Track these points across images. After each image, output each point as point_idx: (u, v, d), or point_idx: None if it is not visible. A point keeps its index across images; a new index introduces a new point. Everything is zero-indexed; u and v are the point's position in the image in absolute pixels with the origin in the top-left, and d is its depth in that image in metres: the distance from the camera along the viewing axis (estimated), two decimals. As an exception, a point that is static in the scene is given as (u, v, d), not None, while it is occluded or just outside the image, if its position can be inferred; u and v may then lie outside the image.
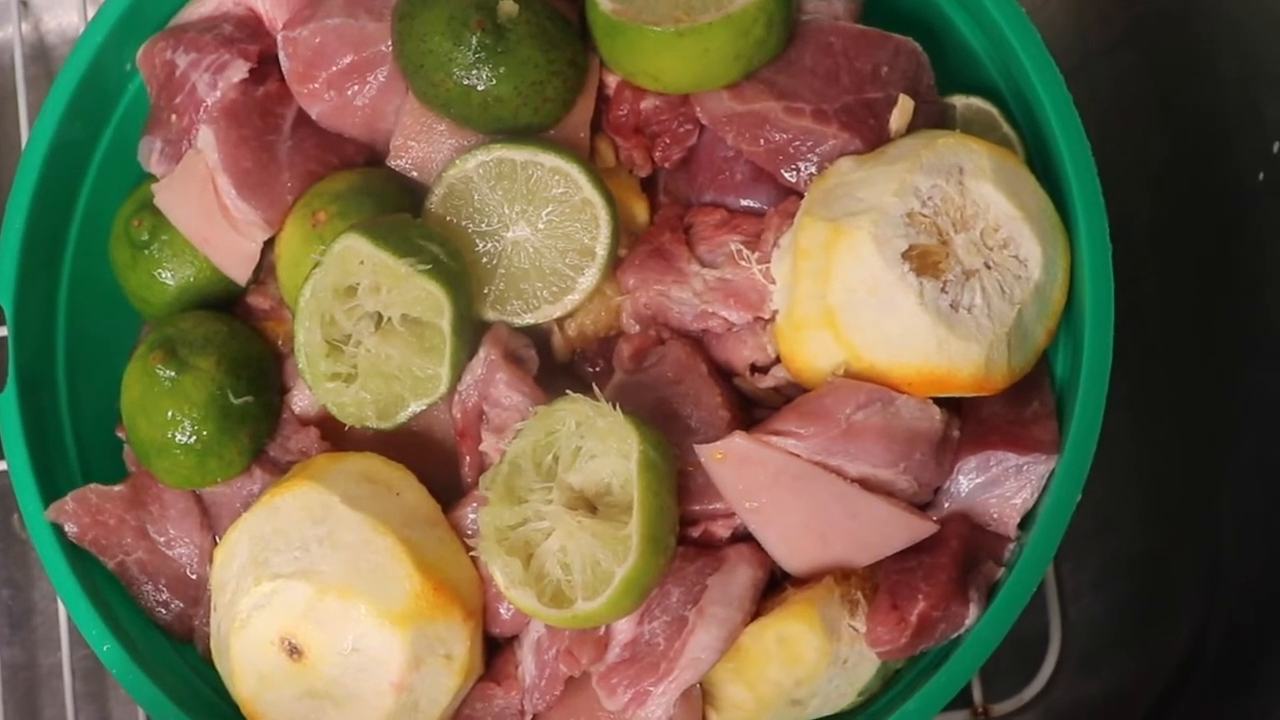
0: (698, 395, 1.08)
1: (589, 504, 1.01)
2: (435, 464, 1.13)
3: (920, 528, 1.05)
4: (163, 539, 1.16)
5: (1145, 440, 1.37)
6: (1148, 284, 1.35)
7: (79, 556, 1.15)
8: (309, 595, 1.03)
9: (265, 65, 1.17)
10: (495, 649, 1.12)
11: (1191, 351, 1.35)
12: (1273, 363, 1.23)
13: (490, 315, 1.11)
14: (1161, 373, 1.36)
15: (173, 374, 1.10)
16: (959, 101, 1.16)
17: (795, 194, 1.10)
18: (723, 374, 1.11)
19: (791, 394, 1.09)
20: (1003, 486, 1.06)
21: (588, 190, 1.08)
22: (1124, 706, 1.34)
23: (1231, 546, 1.30)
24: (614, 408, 0.99)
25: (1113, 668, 1.37)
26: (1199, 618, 1.32)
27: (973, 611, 1.04)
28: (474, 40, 1.06)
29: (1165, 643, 1.34)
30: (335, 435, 1.15)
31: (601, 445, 1.00)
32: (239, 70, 1.15)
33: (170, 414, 1.10)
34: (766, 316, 1.09)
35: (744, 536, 1.07)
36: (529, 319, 1.11)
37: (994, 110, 1.15)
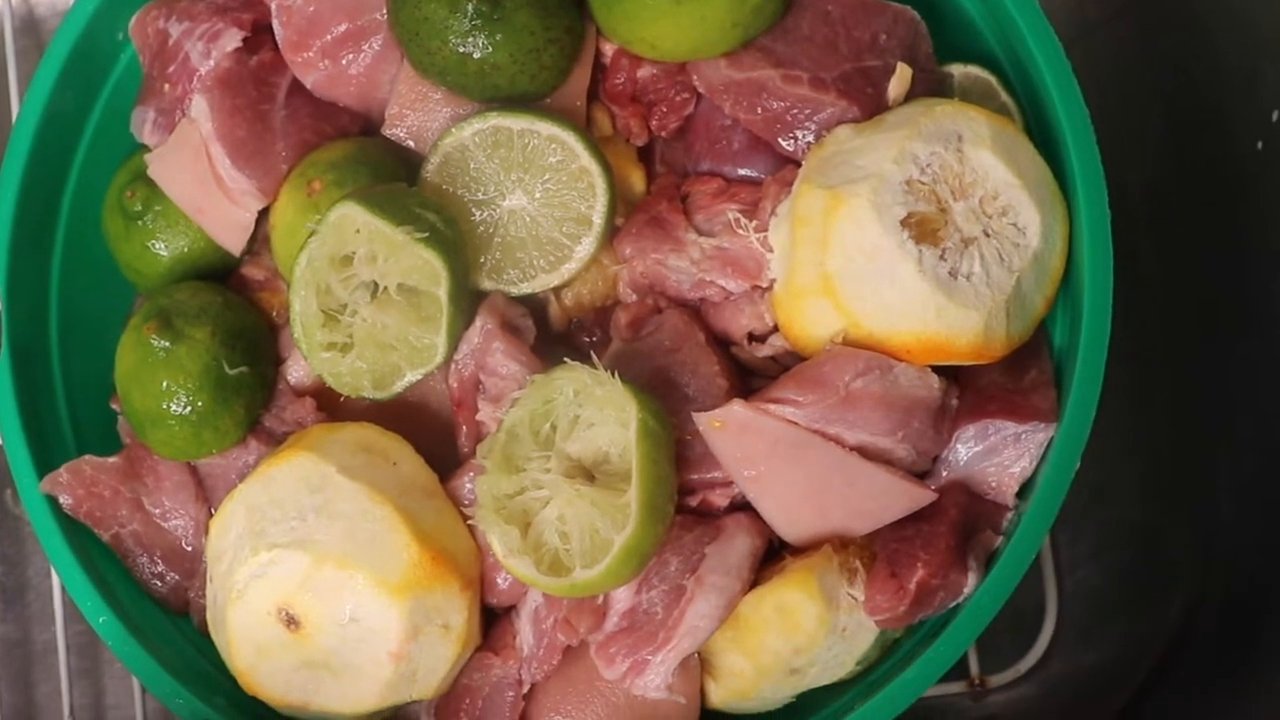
0: (695, 364, 1.08)
1: (587, 473, 1.01)
2: (431, 435, 1.12)
3: (919, 496, 1.05)
4: (158, 511, 1.16)
5: (1141, 411, 1.37)
6: (1146, 254, 1.35)
7: (74, 529, 1.14)
8: (306, 565, 1.03)
9: (259, 34, 1.17)
10: (492, 619, 1.11)
11: (1189, 322, 1.35)
12: (1270, 332, 1.23)
13: (486, 284, 1.11)
14: (1158, 344, 1.36)
15: (167, 344, 1.09)
16: (957, 70, 1.15)
17: (793, 162, 1.10)
18: (720, 343, 1.11)
19: (789, 363, 1.09)
20: (1001, 455, 1.06)
21: (585, 159, 1.08)
22: (1120, 677, 1.35)
23: (1227, 517, 1.30)
24: (612, 376, 0.99)
25: (1109, 638, 1.37)
26: (1195, 588, 1.32)
27: (971, 580, 1.04)
28: (470, 7, 1.06)
29: (1161, 613, 1.34)
30: (331, 406, 1.14)
31: (600, 414, 1.00)
32: (233, 39, 1.15)
33: (165, 384, 1.09)
34: (764, 285, 1.08)
35: (742, 505, 1.07)
36: (526, 288, 1.11)
37: (992, 79, 1.14)
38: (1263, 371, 1.24)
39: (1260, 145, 1.22)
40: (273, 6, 1.15)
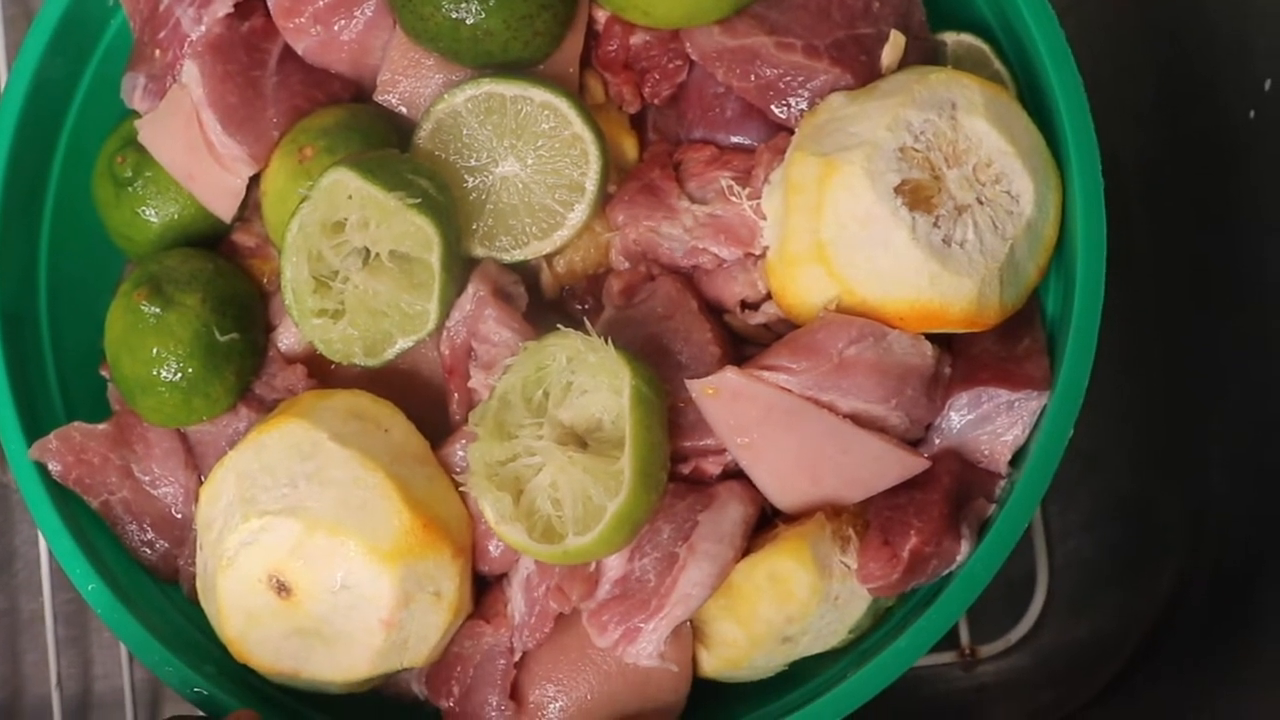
0: (688, 331, 1.07)
1: (579, 440, 1.01)
2: (422, 403, 1.12)
3: (912, 464, 1.04)
4: (147, 478, 1.15)
5: (1133, 381, 1.37)
6: (1138, 224, 1.35)
7: (62, 496, 1.14)
8: (297, 532, 1.02)
9: (250, 0, 1.16)
10: (484, 587, 1.11)
11: (1181, 291, 1.35)
12: (1262, 302, 1.23)
13: (478, 251, 1.10)
14: (1150, 313, 1.37)
15: (158, 310, 1.09)
16: (950, 38, 1.15)
17: (786, 130, 1.10)
18: (713, 311, 1.10)
19: (781, 331, 1.09)
20: (994, 423, 1.06)
21: (578, 125, 1.08)
22: (1111, 647, 1.35)
23: (1219, 487, 1.30)
24: (606, 342, 0.99)
25: (1100, 608, 1.37)
26: (1186, 558, 1.33)
27: (964, 548, 1.04)
28: (463, -28, 1.05)
29: (1152, 583, 1.34)
30: (322, 373, 1.14)
31: (593, 380, 1.00)
32: (224, 5, 1.13)
33: (155, 351, 1.09)
34: (757, 252, 1.08)
35: (735, 473, 1.07)
36: (518, 255, 1.10)
37: (985, 47, 1.14)
38: (1255, 342, 1.24)
39: (1253, 114, 1.22)
40: (264, -29, 1.14)
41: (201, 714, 1.10)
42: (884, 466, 1.04)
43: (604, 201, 1.11)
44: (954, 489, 1.05)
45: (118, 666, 1.40)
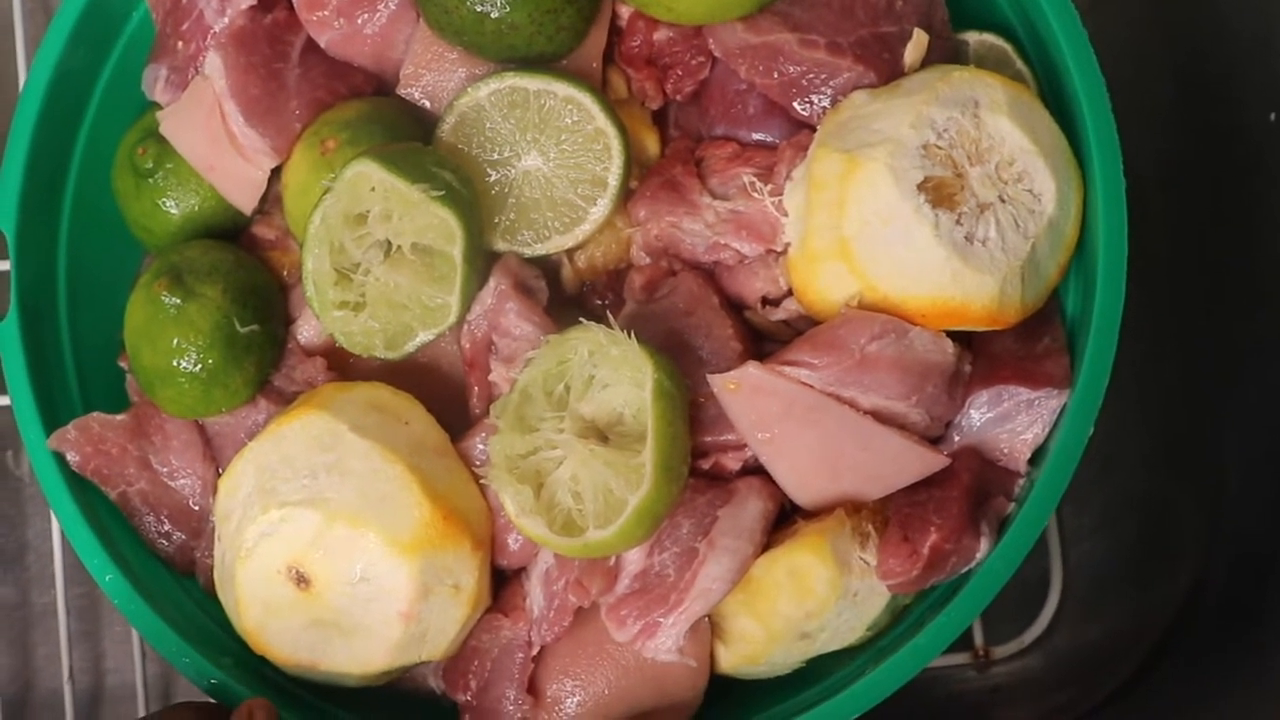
0: (709, 327, 1.07)
1: (600, 434, 1.01)
2: (441, 397, 1.12)
3: (932, 461, 1.04)
4: (165, 470, 1.15)
5: (1148, 382, 1.37)
6: (1156, 225, 1.35)
7: (80, 487, 1.14)
8: (317, 523, 1.02)
9: (273, -8, 1.16)
10: (502, 581, 1.11)
11: (1198, 293, 1.35)
12: (1279, 305, 1.23)
13: (500, 245, 1.10)
14: (1166, 314, 1.37)
15: (178, 301, 1.09)
16: (972, 38, 1.15)
17: (808, 127, 1.10)
18: (734, 307, 1.11)
19: (802, 327, 1.09)
20: (1014, 421, 1.06)
21: (600, 120, 1.08)
22: (1125, 649, 1.35)
23: (1233, 489, 1.30)
24: (629, 336, 0.99)
25: (1114, 610, 1.37)
26: (1200, 560, 1.33)
27: (983, 545, 1.04)
28: (488, -34, 1.06)
29: (1166, 585, 1.35)
30: (341, 366, 1.14)
31: (614, 374, 1.00)
32: (247, -4, 1.14)
33: (175, 341, 1.09)
34: (779, 249, 1.08)
35: (755, 469, 1.07)
36: (539, 249, 1.10)
37: (1007, 47, 1.14)
38: (1271, 343, 1.24)
39: (1273, 116, 1.22)
40: (287, -36, 1.15)
41: (211, 700, 1.10)
42: (904, 463, 1.04)
43: (626, 197, 1.11)
44: (973, 487, 1.05)
45: (130, 660, 1.39)
